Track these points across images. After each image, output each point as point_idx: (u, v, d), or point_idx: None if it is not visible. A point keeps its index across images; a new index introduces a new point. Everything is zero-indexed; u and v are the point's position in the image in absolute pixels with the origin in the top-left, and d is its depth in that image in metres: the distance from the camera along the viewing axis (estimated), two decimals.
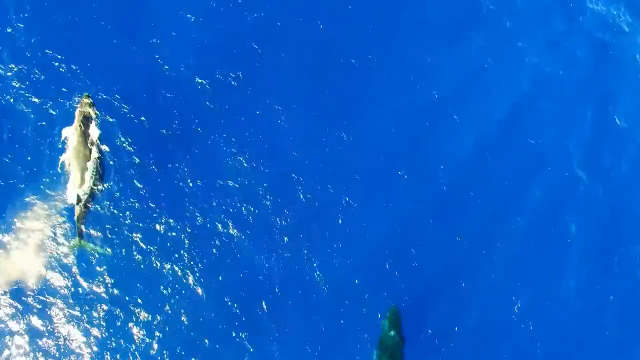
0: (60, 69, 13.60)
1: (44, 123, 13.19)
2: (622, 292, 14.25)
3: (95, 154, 12.96)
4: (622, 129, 15.50)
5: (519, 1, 16.19)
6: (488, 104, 15.25)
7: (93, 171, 12.80)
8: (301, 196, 13.65)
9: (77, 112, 13.14)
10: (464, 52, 15.52)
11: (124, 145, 13.32)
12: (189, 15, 14.53)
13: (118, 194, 12.98)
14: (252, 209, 13.40)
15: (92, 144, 13.00)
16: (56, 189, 12.86)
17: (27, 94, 13.36)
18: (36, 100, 13.36)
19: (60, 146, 13.08)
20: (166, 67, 14.08)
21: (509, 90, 15.44)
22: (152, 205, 13.03)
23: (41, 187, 12.80)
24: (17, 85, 13.38)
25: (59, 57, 13.66)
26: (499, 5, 15.96)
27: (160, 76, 13.98)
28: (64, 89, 13.46)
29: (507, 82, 15.48)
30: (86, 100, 13.22)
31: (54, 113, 13.33)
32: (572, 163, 15.07)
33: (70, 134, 13.03)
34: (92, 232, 12.69)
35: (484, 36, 15.70)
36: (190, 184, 13.34)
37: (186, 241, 12.98)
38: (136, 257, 12.68)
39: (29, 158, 12.99)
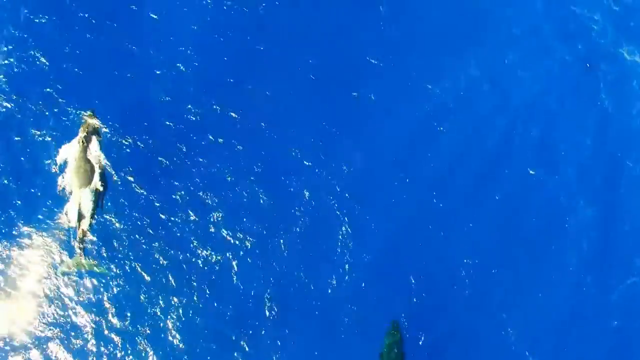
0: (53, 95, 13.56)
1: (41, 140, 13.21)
2: None
3: (97, 170, 12.93)
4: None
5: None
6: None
7: (95, 187, 12.78)
8: (301, 209, 13.69)
9: (80, 128, 13.09)
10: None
11: (125, 162, 13.32)
12: (188, 46, 14.46)
13: (118, 211, 12.97)
14: (252, 223, 13.41)
15: (95, 160, 12.96)
16: (53, 213, 12.85)
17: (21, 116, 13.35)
18: (34, 130, 13.33)
19: (57, 169, 13.05)
20: (168, 85, 14.10)
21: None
22: (153, 221, 13.07)
23: (39, 210, 12.80)
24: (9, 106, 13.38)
25: (57, 86, 13.61)
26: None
27: (163, 96, 13.98)
28: (62, 115, 13.44)
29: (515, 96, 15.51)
30: (90, 116, 13.20)
31: (49, 139, 13.27)
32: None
33: (72, 149, 12.95)
34: (93, 250, 12.71)
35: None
36: (192, 198, 13.38)
37: (188, 255, 13.02)
38: (138, 273, 12.74)
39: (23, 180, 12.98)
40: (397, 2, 15.50)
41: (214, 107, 14.00)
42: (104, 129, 13.36)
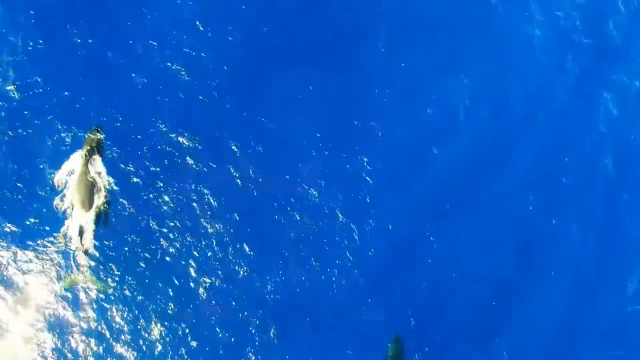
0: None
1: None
2: None
3: (100, 186, 12.87)
4: None
5: None
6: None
7: (97, 204, 12.71)
8: (303, 219, 13.73)
9: (84, 143, 13.04)
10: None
11: (128, 176, 13.28)
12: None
13: (116, 227, 12.90)
14: (251, 237, 13.41)
15: (97, 176, 12.88)
16: (53, 228, 12.73)
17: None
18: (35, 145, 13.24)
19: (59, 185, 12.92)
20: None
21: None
22: (156, 234, 13.06)
23: (39, 224, 12.67)
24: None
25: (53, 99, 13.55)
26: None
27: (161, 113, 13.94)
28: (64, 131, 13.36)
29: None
30: (95, 132, 13.14)
31: (50, 153, 13.18)
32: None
33: (75, 165, 12.88)
34: (95, 265, 12.66)
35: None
36: (194, 209, 13.36)
37: (190, 270, 13.01)
38: (134, 290, 12.69)
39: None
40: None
41: (213, 127, 14.07)
42: (107, 142, 13.34)
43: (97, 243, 12.68)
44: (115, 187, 13.07)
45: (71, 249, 12.60)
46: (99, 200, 12.76)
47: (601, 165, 15.56)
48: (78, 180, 12.77)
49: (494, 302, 14.09)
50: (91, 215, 12.63)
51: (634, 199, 15.35)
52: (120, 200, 13.04)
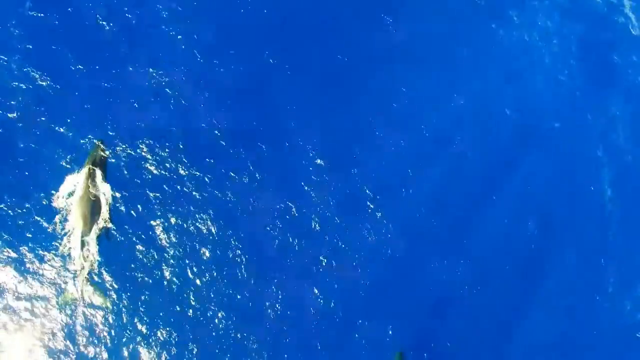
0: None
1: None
2: None
3: (103, 200, 12.83)
4: None
5: None
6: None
7: (100, 219, 12.68)
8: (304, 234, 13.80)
9: (88, 158, 13.01)
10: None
11: (131, 191, 13.29)
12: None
13: (117, 242, 12.88)
14: (254, 256, 13.46)
15: (100, 191, 12.84)
16: (55, 243, 12.70)
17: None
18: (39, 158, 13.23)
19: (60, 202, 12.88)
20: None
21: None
22: (158, 249, 13.06)
23: (41, 239, 12.62)
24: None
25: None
26: None
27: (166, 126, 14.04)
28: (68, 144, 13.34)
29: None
30: (98, 146, 13.13)
31: (53, 167, 13.15)
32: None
33: (78, 179, 12.83)
34: (95, 280, 12.62)
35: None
36: (197, 220, 13.40)
37: (192, 282, 13.03)
38: (137, 304, 12.67)
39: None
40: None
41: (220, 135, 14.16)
42: (110, 159, 13.32)
43: (99, 259, 12.66)
44: (116, 204, 13.07)
45: (72, 265, 12.55)
46: (101, 216, 12.73)
47: (597, 189, 15.84)
48: (80, 196, 12.73)
49: (494, 324, 14.20)
50: (93, 231, 12.59)
51: (629, 221, 15.65)
52: (121, 218, 13.04)
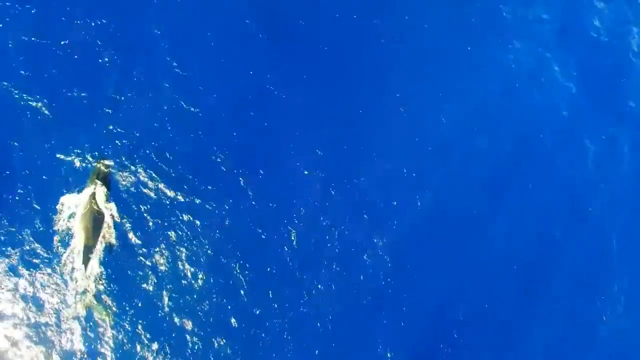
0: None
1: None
2: None
3: (106, 216, 12.91)
4: None
5: None
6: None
7: (103, 235, 12.77)
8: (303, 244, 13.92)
9: (91, 174, 13.10)
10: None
11: (134, 208, 13.35)
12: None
13: (120, 253, 12.97)
14: (256, 269, 13.59)
15: (103, 207, 12.91)
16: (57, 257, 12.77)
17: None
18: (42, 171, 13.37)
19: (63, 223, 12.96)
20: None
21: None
22: (159, 265, 13.11)
23: (44, 252, 12.69)
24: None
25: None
26: None
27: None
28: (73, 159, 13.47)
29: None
30: (102, 163, 13.25)
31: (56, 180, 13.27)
32: None
33: (81, 196, 12.91)
34: (98, 293, 12.65)
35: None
36: (196, 243, 13.49)
37: (194, 292, 13.10)
38: (139, 318, 12.69)
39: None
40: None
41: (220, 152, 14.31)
42: (113, 173, 13.46)
43: (102, 271, 12.72)
44: (120, 219, 13.16)
45: (75, 277, 12.58)
46: (105, 230, 12.82)
47: (593, 207, 16.12)
48: (84, 210, 12.82)
49: (495, 332, 14.29)
50: (96, 244, 12.68)
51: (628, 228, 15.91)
52: (124, 231, 13.11)
